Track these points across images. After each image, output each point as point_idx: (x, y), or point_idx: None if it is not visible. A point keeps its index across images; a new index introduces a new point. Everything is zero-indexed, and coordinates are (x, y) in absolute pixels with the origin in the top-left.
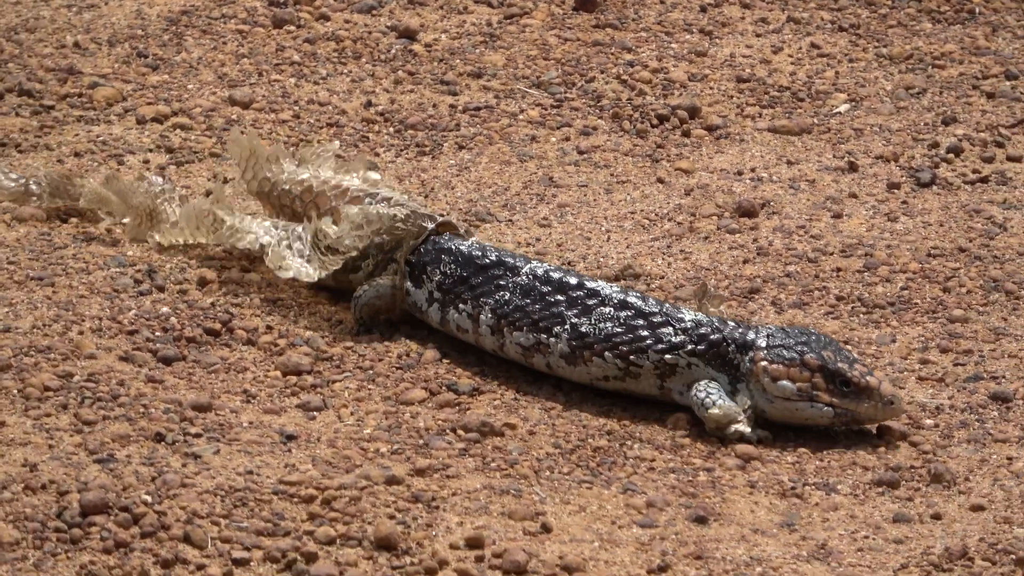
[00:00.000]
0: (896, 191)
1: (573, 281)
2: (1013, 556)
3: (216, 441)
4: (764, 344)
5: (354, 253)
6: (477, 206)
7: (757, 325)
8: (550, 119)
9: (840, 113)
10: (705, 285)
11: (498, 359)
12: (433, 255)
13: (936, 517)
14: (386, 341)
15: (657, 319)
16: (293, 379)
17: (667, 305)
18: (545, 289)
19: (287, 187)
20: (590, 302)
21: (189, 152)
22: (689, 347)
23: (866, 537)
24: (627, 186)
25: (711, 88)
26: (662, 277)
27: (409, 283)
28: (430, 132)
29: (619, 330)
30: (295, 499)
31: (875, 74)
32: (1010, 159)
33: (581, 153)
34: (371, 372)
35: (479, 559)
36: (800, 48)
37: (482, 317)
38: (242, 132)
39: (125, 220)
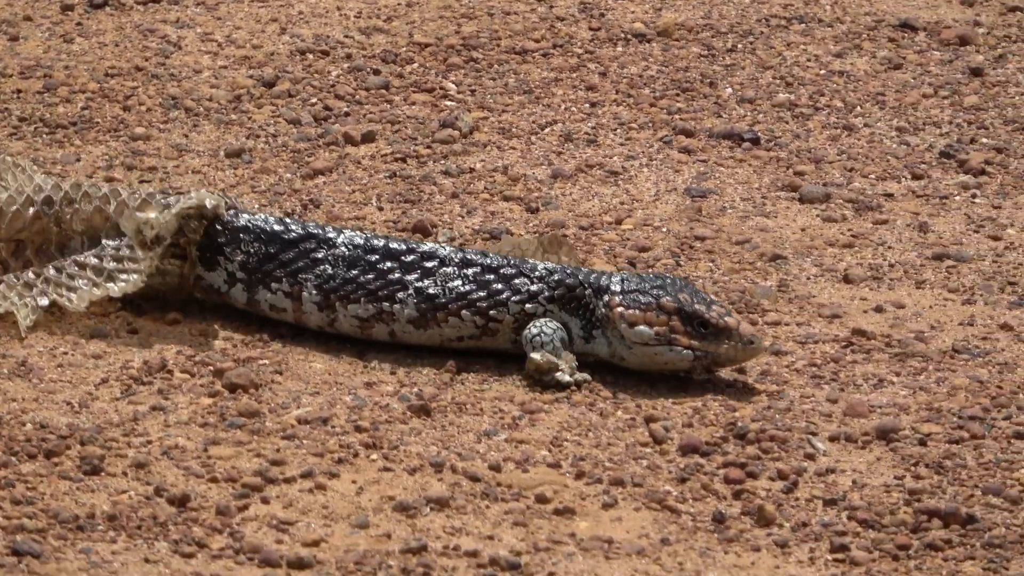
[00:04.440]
0: (71, 13)
1: (401, 247)
2: (211, 368)
3: None
4: (619, 289)
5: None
6: None
7: (610, 272)
8: None
9: None
10: (555, 237)
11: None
12: (228, 236)
13: (133, 332)
14: None
15: (508, 271)
16: None
17: (511, 258)
18: (373, 258)
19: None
20: (428, 264)
21: None
22: (547, 293)
23: (65, 353)
24: None
25: None
26: None
27: (201, 268)
28: None
29: (472, 287)
30: None
31: None
32: None
33: None
34: None
35: None
36: None
37: (305, 295)
38: None
39: None
